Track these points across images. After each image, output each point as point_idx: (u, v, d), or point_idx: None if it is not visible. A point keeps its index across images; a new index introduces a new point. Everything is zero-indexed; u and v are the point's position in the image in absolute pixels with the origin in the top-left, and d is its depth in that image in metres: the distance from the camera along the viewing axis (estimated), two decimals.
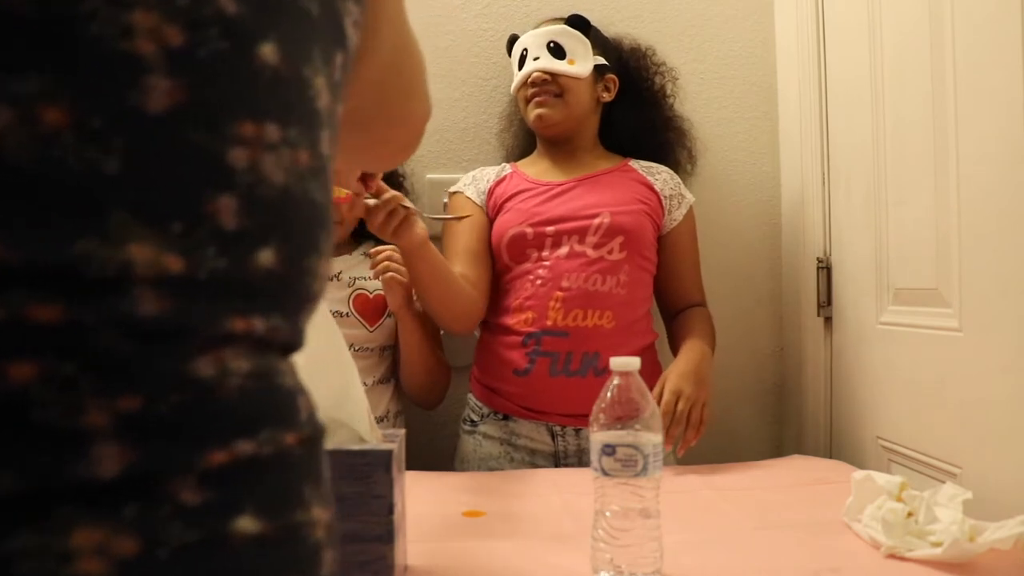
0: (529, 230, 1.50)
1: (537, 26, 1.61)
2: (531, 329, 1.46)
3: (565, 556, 0.92)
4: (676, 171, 1.67)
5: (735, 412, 1.81)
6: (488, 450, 1.51)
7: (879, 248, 1.44)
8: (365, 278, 1.56)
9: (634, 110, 1.64)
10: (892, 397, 1.41)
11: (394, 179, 1.68)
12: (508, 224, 1.52)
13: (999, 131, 1.10)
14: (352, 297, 1.54)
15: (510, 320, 1.49)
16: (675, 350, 1.58)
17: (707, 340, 1.54)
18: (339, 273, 1.55)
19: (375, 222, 1.30)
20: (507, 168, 1.64)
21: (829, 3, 1.65)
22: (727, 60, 1.87)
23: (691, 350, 1.48)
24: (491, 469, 1.49)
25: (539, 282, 1.47)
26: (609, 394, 0.86)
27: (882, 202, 1.43)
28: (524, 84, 1.57)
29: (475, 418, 1.55)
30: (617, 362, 0.87)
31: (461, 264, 1.51)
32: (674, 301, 1.62)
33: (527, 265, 1.50)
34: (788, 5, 1.78)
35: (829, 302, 1.67)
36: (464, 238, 1.55)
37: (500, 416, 1.51)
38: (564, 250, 1.48)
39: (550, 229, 1.49)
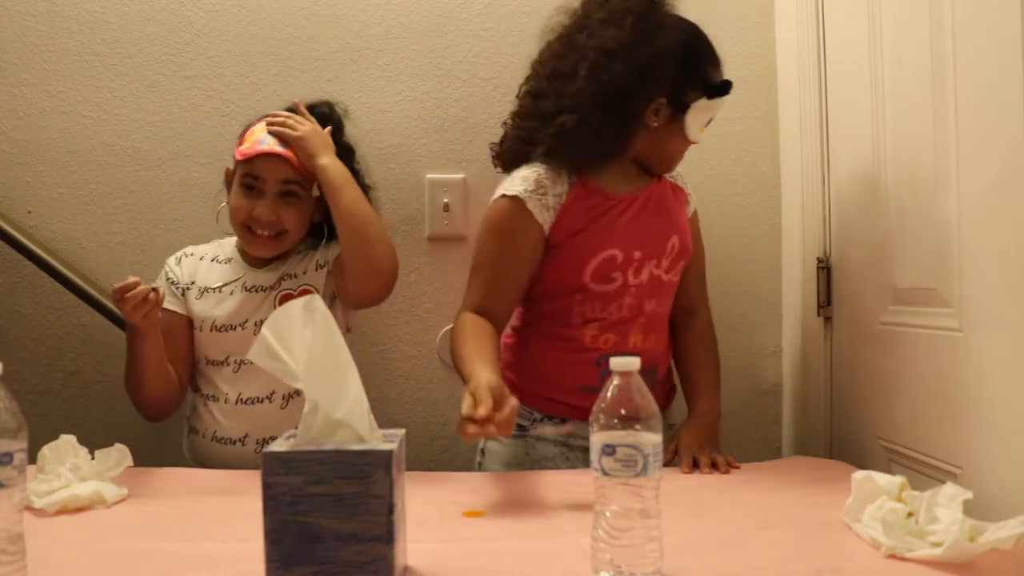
0: (619, 253, 1.43)
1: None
2: (609, 349, 1.43)
3: (565, 556, 0.92)
4: None
5: (735, 412, 1.81)
6: (543, 451, 1.48)
7: (879, 248, 1.44)
8: (293, 276, 1.55)
9: None
10: (892, 397, 1.41)
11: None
12: (598, 245, 1.43)
13: (999, 131, 1.10)
14: (278, 298, 1.52)
15: (586, 337, 1.45)
16: (682, 378, 1.59)
17: (714, 384, 1.56)
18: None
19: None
20: (570, 177, 1.45)
21: (829, 3, 1.65)
22: (727, 60, 1.86)
23: (701, 416, 1.51)
24: (545, 469, 1.46)
25: (625, 311, 1.45)
26: (609, 394, 0.86)
27: (882, 202, 1.43)
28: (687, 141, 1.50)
29: (524, 423, 1.48)
30: (617, 362, 0.87)
31: (491, 289, 1.44)
32: (680, 303, 1.60)
33: (609, 288, 1.44)
34: (788, 5, 1.78)
35: (829, 302, 1.67)
36: (523, 266, 1.44)
37: (558, 420, 1.48)
38: (645, 275, 1.46)
39: (637, 254, 1.45)
